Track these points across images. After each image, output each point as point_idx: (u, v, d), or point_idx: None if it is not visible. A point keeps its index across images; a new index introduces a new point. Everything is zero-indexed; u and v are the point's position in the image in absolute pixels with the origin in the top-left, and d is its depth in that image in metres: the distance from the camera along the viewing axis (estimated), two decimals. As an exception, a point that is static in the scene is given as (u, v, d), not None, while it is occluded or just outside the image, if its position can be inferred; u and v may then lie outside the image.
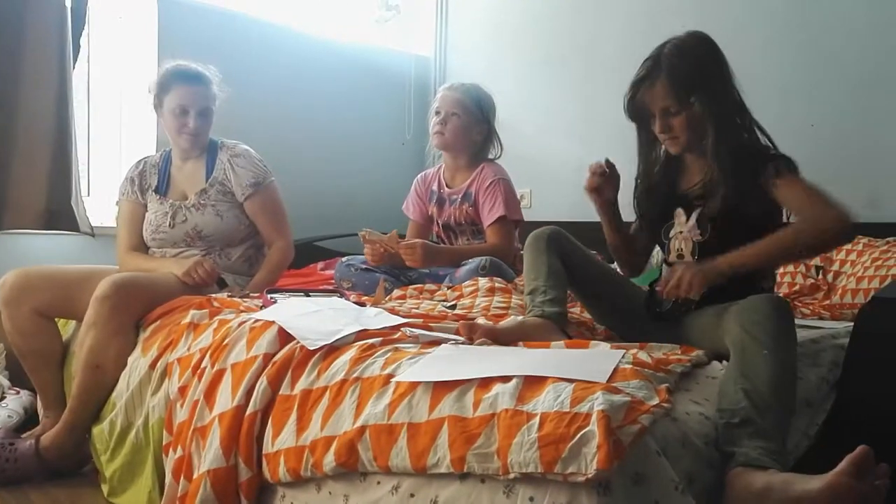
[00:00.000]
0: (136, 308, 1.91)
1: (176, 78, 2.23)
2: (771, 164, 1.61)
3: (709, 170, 1.68)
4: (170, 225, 2.24)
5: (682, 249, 1.70)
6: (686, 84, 1.64)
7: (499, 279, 2.17)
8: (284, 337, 1.48)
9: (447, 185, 2.68)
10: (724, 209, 1.62)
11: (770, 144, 1.68)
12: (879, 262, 2.28)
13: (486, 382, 1.14)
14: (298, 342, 1.44)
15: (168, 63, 2.28)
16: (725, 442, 1.17)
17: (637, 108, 1.72)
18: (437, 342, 1.45)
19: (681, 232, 1.70)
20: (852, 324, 1.55)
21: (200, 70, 2.26)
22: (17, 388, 2.28)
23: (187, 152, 2.30)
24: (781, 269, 2.53)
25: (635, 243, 1.85)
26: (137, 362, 1.80)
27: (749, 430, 1.17)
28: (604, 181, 1.74)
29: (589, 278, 1.78)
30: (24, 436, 1.99)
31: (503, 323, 1.60)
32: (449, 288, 2.20)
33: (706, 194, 1.68)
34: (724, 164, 1.63)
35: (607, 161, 1.75)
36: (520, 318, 1.64)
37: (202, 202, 2.25)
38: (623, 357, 1.30)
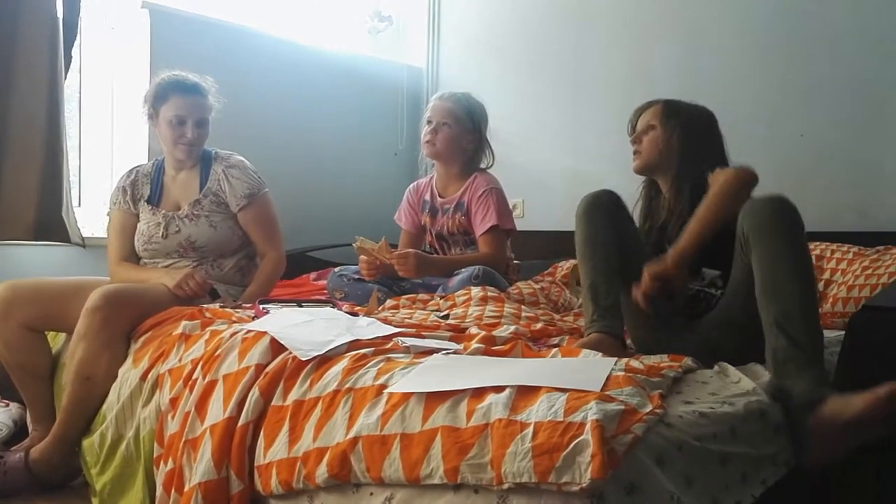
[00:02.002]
0: (128, 319, 1.90)
1: (173, 88, 2.22)
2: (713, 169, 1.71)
3: (671, 202, 1.80)
4: (163, 235, 2.23)
5: None
6: (674, 112, 1.83)
7: (491, 288, 2.17)
8: (276, 347, 1.47)
9: (440, 195, 2.68)
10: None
11: None
12: (870, 271, 2.29)
13: (479, 392, 1.14)
14: (290, 353, 1.43)
15: (164, 73, 2.28)
16: (777, 376, 1.35)
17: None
18: (429, 352, 1.44)
19: None
20: (844, 332, 1.55)
21: (197, 81, 2.26)
22: (7, 401, 2.26)
23: (182, 163, 2.29)
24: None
25: None
26: (128, 374, 1.79)
27: (794, 364, 1.33)
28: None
29: (627, 266, 1.72)
30: (13, 449, 1.97)
31: (577, 344, 1.59)
32: (442, 298, 2.20)
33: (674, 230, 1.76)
34: (680, 194, 1.75)
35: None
36: (586, 340, 1.61)
37: (196, 213, 2.24)
38: (616, 364, 1.30)
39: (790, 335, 1.37)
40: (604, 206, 1.72)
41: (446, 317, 1.95)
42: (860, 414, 1.21)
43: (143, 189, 2.32)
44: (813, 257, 1.48)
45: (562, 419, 1.02)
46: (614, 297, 1.67)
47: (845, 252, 2.46)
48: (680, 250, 1.61)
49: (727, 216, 1.60)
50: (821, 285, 2.44)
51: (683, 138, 1.81)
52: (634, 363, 1.36)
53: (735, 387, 1.36)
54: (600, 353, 1.45)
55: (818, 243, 2.56)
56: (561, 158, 3.51)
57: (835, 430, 1.24)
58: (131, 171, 2.36)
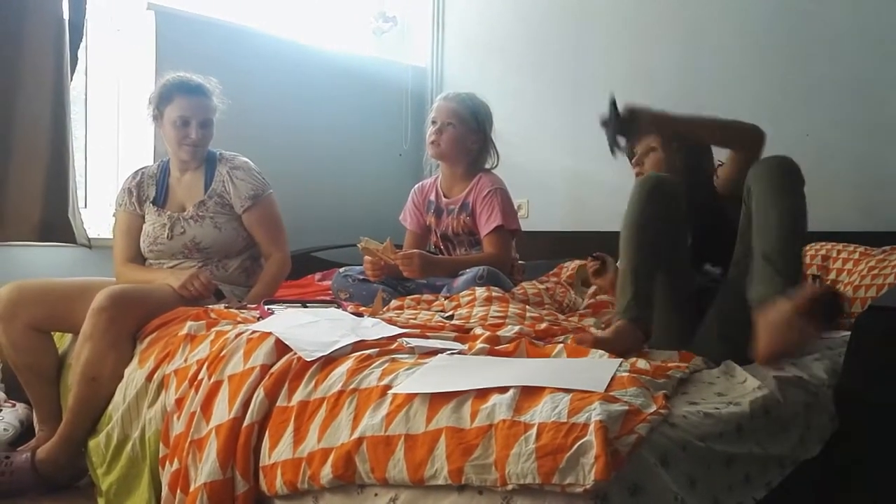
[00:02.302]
0: (133, 320, 1.91)
1: (177, 89, 2.23)
2: None
3: None
4: (168, 236, 2.23)
5: None
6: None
7: (496, 288, 2.17)
8: (282, 348, 1.48)
9: (445, 196, 2.68)
10: None
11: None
12: (876, 271, 2.28)
13: (483, 393, 1.14)
14: (295, 353, 1.44)
15: (169, 75, 2.28)
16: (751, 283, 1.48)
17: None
18: (434, 352, 1.44)
19: None
20: (849, 332, 1.55)
21: (201, 82, 2.27)
22: (13, 401, 2.27)
23: (186, 164, 2.30)
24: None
25: None
26: (134, 374, 1.79)
27: (768, 278, 1.46)
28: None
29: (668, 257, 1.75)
30: (19, 449, 1.98)
31: (603, 334, 1.61)
32: (446, 298, 2.20)
33: None
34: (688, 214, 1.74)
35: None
36: (613, 329, 1.62)
37: (200, 214, 2.25)
38: (620, 366, 1.30)
39: (773, 262, 1.49)
40: (667, 194, 1.69)
41: (451, 317, 1.95)
42: (792, 310, 1.37)
43: (149, 190, 2.32)
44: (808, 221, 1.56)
45: (565, 420, 1.02)
46: (651, 287, 1.66)
47: (851, 252, 2.45)
48: (666, 113, 1.69)
49: (713, 141, 1.76)
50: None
51: (686, 159, 1.84)
52: (641, 363, 1.36)
53: (741, 387, 1.36)
54: (606, 354, 1.45)
55: (824, 243, 2.55)
56: (562, 159, 3.51)
57: (775, 326, 1.38)
58: (137, 172, 2.37)
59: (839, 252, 2.48)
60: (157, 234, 2.25)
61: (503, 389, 1.13)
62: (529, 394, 1.11)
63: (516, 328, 1.71)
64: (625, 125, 1.68)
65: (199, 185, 2.29)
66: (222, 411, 1.43)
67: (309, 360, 1.40)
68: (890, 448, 1.41)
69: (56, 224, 2.65)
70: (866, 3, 2.70)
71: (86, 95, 3.10)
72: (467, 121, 2.59)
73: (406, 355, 1.43)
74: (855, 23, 2.72)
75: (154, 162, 2.50)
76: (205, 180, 2.29)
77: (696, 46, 3.11)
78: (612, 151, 1.71)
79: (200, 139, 2.24)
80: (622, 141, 1.70)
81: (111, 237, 2.38)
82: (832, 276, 2.44)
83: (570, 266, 2.94)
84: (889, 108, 2.64)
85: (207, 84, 2.27)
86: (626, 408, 1.05)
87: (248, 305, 2.05)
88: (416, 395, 1.18)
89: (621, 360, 1.36)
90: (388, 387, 1.24)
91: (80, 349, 1.87)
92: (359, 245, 2.40)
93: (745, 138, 1.73)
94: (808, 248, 2.58)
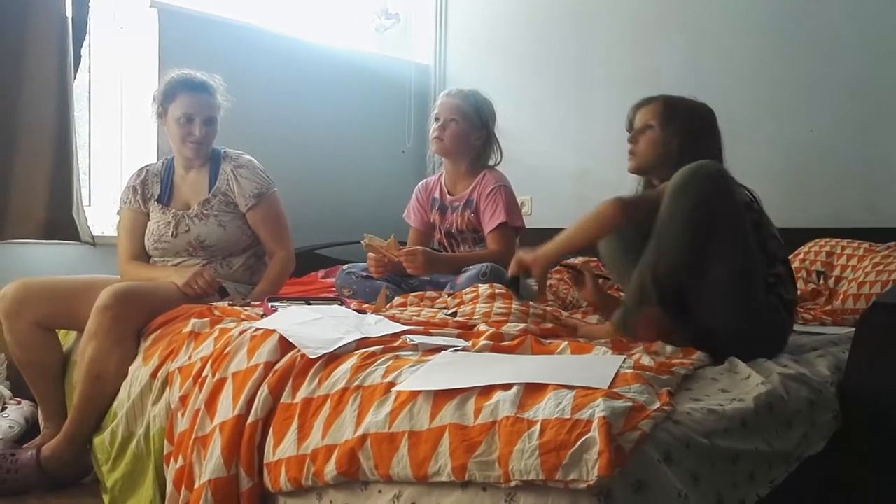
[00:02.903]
0: (137, 317, 1.91)
1: (181, 86, 2.23)
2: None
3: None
4: (172, 234, 2.24)
5: None
6: (676, 113, 1.78)
7: (499, 285, 2.17)
8: (285, 345, 1.48)
9: (449, 193, 2.68)
10: None
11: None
12: (881, 268, 2.28)
13: (486, 390, 1.14)
14: (299, 350, 1.44)
15: (173, 72, 2.28)
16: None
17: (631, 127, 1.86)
18: (438, 349, 1.45)
19: None
20: (854, 329, 1.54)
21: (205, 79, 2.27)
22: (19, 399, 2.28)
23: (190, 161, 2.30)
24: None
25: None
26: (138, 372, 1.80)
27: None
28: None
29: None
30: (24, 446, 1.99)
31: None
32: (450, 295, 2.20)
33: None
34: None
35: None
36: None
37: (205, 212, 2.25)
38: (624, 362, 1.30)
39: (644, 276, 1.57)
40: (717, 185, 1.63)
41: (454, 314, 1.95)
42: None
43: (153, 188, 2.33)
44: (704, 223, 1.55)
45: (569, 416, 1.02)
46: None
47: (856, 248, 2.45)
48: (543, 253, 1.73)
49: (588, 243, 1.75)
50: (831, 282, 2.43)
51: (683, 142, 1.74)
52: (645, 360, 1.36)
53: (745, 383, 1.36)
54: (610, 350, 1.45)
55: (828, 240, 2.55)
56: (566, 156, 3.51)
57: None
58: (141, 170, 2.37)
59: (843, 248, 2.48)
60: (162, 231, 2.25)
61: (507, 386, 1.13)
62: (533, 390, 1.12)
63: (520, 325, 1.71)
64: (517, 283, 1.83)
65: (204, 183, 2.30)
66: (226, 408, 1.43)
67: (313, 357, 1.41)
68: (893, 444, 1.41)
69: (60, 222, 2.65)
70: (868, 1, 2.69)
71: (89, 93, 3.10)
72: (470, 117, 2.58)
73: (410, 352, 1.43)
74: (858, 20, 2.71)
75: (158, 160, 2.50)
76: (209, 178, 2.29)
77: (698, 44, 3.10)
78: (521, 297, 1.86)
79: (204, 136, 2.24)
80: (527, 289, 1.81)
81: (115, 235, 2.38)
82: (836, 272, 2.43)
83: (576, 262, 2.93)
84: (893, 104, 2.64)
85: (212, 81, 2.27)
86: (630, 404, 1.05)
87: (252, 303, 2.05)
88: (419, 392, 1.18)
89: (625, 356, 1.36)
90: (392, 384, 1.24)
91: (85, 347, 1.87)
92: (362, 242, 2.40)
93: (604, 224, 1.71)
94: (812, 244, 2.58)
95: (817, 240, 2.58)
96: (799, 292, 2.43)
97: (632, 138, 1.83)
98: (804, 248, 2.57)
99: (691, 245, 1.54)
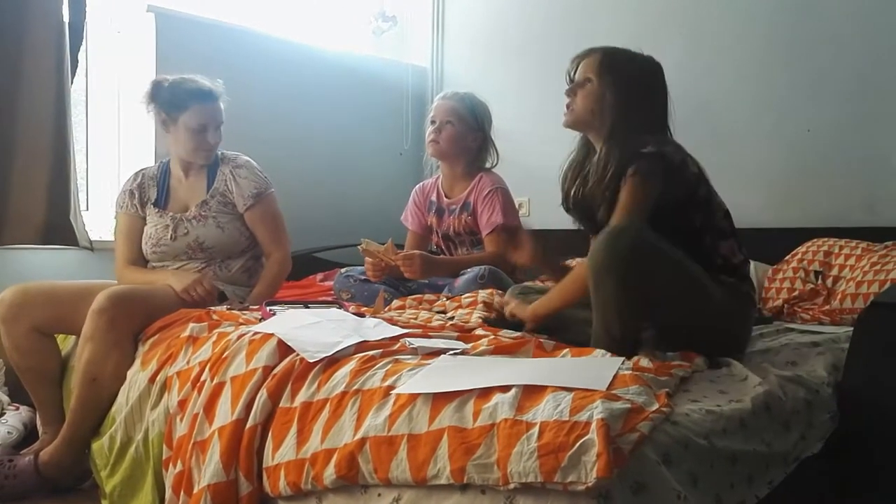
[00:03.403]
0: (134, 321, 1.91)
1: (193, 97, 2.21)
2: (633, 163, 1.59)
3: (600, 168, 1.69)
4: (171, 238, 2.24)
5: None
6: (614, 67, 1.69)
7: (499, 292, 2.17)
8: (284, 349, 1.48)
9: (446, 196, 2.68)
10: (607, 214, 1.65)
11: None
12: (878, 267, 2.27)
13: (485, 392, 1.14)
14: (298, 354, 1.44)
15: (173, 77, 2.26)
16: None
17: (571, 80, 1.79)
18: (437, 353, 1.45)
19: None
20: (852, 328, 1.55)
21: (212, 87, 2.26)
22: (17, 404, 2.27)
23: (190, 164, 2.30)
24: (780, 276, 2.53)
25: None
26: (137, 376, 1.79)
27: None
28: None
29: None
30: (23, 452, 1.99)
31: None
32: (448, 298, 2.20)
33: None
34: (610, 159, 1.64)
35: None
36: None
37: (203, 214, 2.25)
38: (623, 364, 1.30)
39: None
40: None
41: (452, 318, 1.95)
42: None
43: (150, 192, 2.33)
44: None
45: (567, 419, 1.02)
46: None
47: (854, 248, 2.45)
48: (534, 312, 1.73)
49: (575, 302, 1.67)
50: (829, 282, 2.43)
51: (619, 96, 1.67)
52: (644, 362, 1.36)
53: (742, 384, 1.36)
54: (609, 353, 1.45)
55: (826, 239, 2.55)
56: (564, 157, 3.50)
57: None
58: (137, 174, 2.37)
59: (842, 248, 2.48)
60: (160, 235, 2.25)
61: (505, 389, 1.13)
62: (531, 393, 1.12)
63: (515, 333, 1.71)
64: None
65: (202, 186, 2.30)
66: (225, 413, 1.43)
67: (312, 360, 1.41)
68: (891, 444, 1.41)
69: (58, 226, 2.65)
70: (867, 0, 2.69)
71: (86, 97, 3.10)
72: (466, 119, 2.59)
73: (409, 356, 1.43)
74: (857, 20, 2.71)
75: (155, 163, 2.50)
76: (207, 180, 2.30)
77: (698, 44, 3.10)
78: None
79: (216, 143, 2.26)
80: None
81: (113, 239, 2.38)
82: (834, 271, 2.43)
83: (572, 264, 2.93)
84: (891, 104, 2.64)
85: (216, 87, 2.28)
86: (629, 406, 1.05)
87: (250, 307, 2.05)
88: (418, 395, 1.18)
89: (623, 358, 1.36)
90: (392, 387, 1.24)
91: (82, 350, 1.87)
92: (359, 247, 2.40)
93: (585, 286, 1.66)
94: (810, 243, 2.58)
95: (815, 239, 2.58)
96: (797, 292, 2.44)
97: (569, 91, 1.77)
98: (802, 248, 2.57)
99: (637, 307, 1.46)
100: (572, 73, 1.80)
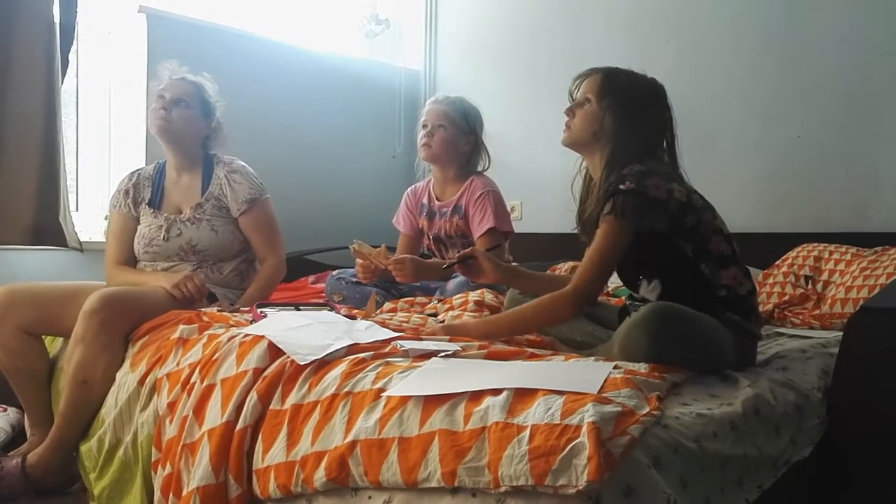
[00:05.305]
0: (125, 323, 1.90)
1: (169, 75, 2.30)
2: (612, 199, 1.58)
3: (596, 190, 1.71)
4: (164, 238, 2.23)
5: None
6: (613, 89, 1.69)
7: (490, 292, 2.17)
8: (274, 351, 1.47)
9: (437, 198, 2.68)
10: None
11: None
12: (868, 272, 2.29)
13: (476, 395, 1.14)
14: (289, 357, 1.43)
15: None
16: None
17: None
18: (428, 355, 1.44)
19: None
20: (842, 333, 1.55)
21: (193, 79, 2.30)
22: (4, 406, 2.25)
23: (185, 165, 2.29)
24: (771, 280, 2.54)
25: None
26: (126, 378, 1.78)
27: None
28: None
29: None
30: (10, 454, 1.97)
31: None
32: (439, 301, 2.20)
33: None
34: (607, 185, 1.63)
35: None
36: None
37: (197, 216, 2.25)
38: (614, 367, 1.30)
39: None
40: None
41: (443, 321, 1.95)
42: None
43: (145, 192, 2.32)
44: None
45: (558, 422, 1.02)
46: None
47: (843, 253, 2.47)
48: (485, 334, 1.64)
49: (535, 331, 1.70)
50: (819, 286, 2.45)
51: (617, 119, 1.65)
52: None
53: (733, 387, 1.36)
54: (601, 357, 1.45)
55: (816, 244, 2.57)
56: (556, 160, 3.47)
57: None
58: (133, 173, 2.37)
59: (831, 253, 2.49)
60: (153, 235, 2.24)
61: (497, 392, 1.13)
62: (523, 396, 1.11)
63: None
64: None
65: (197, 188, 2.29)
66: (215, 415, 1.42)
67: (302, 363, 1.40)
68: (880, 450, 1.42)
69: (47, 227, 2.64)
70: (861, 5, 2.72)
71: (77, 98, 3.09)
72: (458, 123, 2.59)
73: (400, 359, 1.42)
74: (846, 27, 2.74)
75: (151, 164, 2.49)
76: (202, 183, 2.29)
77: (688, 50, 3.12)
78: None
79: (169, 115, 2.23)
80: None
81: (103, 240, 2.38)
82: (824, 276, 2.45)
83: (563, 268, 2.94)
84: (880, 110, 2.66)
85: (196, 79, 2.31)
86: (619, 409, 1.05)
87: (241, 308, 2.04)
88: (409, 397, 1.18)
89: (615, 362, 1.36)
90: (382, 390, 1.24)
91: (72, 352, 1.86)
92: (351, 248, 2.40)
93: (556, 320, 1.72)
94: (800, 248, 2.60)
95: (805, 245, 2.60)
96: (787, 297, 2.46)
97: (569, 110, 1.77)
98: (792, 253, 2.59)
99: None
100: (574, 93, 1.79)
